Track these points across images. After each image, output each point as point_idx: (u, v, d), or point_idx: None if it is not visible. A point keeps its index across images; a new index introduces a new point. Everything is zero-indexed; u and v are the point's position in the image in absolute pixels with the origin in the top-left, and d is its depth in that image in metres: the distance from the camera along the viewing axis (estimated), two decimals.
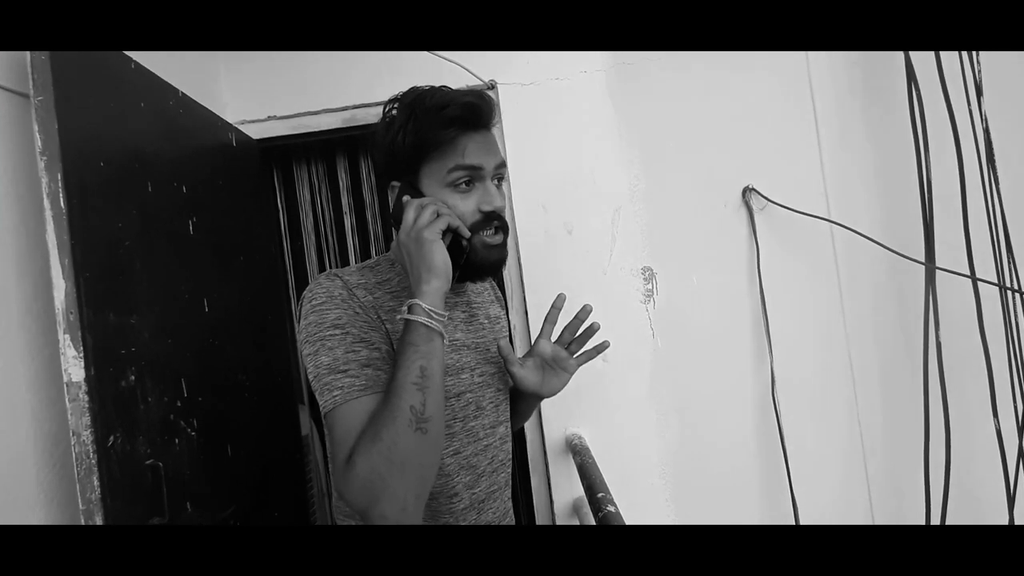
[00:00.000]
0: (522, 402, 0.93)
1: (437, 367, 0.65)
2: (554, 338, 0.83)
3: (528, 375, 0.80)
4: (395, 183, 0.77)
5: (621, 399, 1.48)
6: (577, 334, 0.82)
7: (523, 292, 1.49)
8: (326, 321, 0.70)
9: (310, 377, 0.70)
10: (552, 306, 0.82)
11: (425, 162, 0.73)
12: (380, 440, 0.61)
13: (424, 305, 0.65)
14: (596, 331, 0.81)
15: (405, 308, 0.66)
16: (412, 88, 0.76)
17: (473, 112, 0.72)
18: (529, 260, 1.49)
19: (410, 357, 0.63)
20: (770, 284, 1.45)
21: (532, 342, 0.89)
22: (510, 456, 0.87)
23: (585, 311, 0.81)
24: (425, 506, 0.74)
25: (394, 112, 0.75)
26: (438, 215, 0.69)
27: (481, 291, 0.90)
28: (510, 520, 0.86)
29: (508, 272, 1.52)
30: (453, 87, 0.77)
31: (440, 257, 0.67)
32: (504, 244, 0.77)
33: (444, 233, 0.70)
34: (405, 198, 0.74)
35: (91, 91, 0.93)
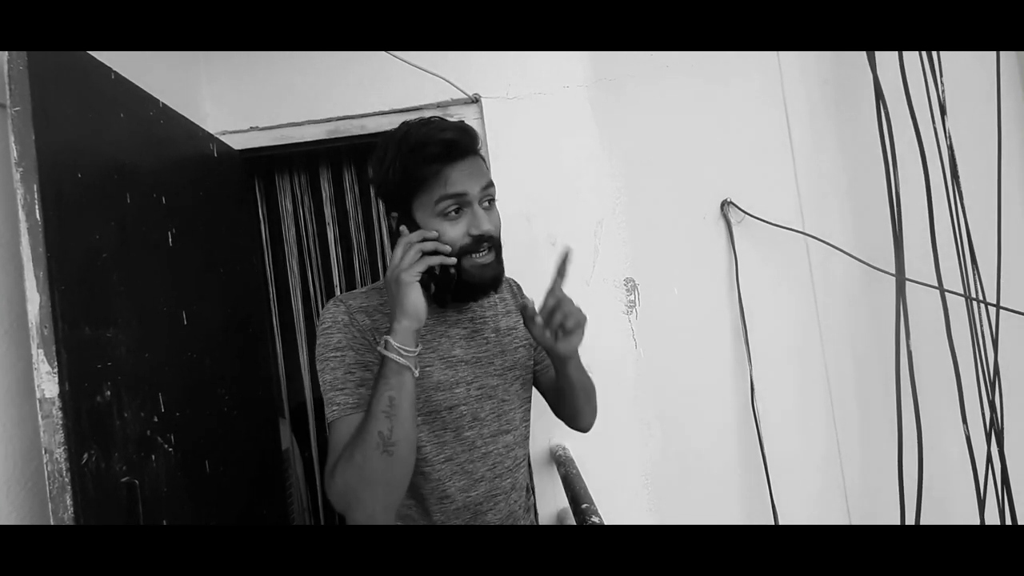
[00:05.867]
0: (558, 370, 0.90)
1: (405, 398, 0.71)
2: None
3: (541, 332, 0.82)
4: (394, 213, 0.81)
5: (604, 409, 1.46)
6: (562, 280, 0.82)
7: None
8: (330, 344, 0.79)
9: (321, 390, 0.79)
10: (563, 260, 0.82)
11: (415, 196, 0.78)
12: (353, 459, 0.70)
13: (394, 343, 0.70)
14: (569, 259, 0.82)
15: (382, 343, 0.71)
16: (403, 123, 0.81)
17: (452, 147, 0.76)
18: (513, 271, 1.48)
19: (381, 388, 0.70)
20: (748, 295, 1.48)
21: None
22: (520, 461, 0.89)
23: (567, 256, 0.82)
24: (417, 506, 0.83)
25: (380, 147, 0.80)
26: (422, 255, 0.73)
27: (490, 305, 0.92)
28: (522, 522, 0.90)
29: None
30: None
31: (412, 300, 0.71)
32: (497, 260, 0.81)
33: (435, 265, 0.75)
34: (403, 228, 0.78)
35: (70, 101, 0.92)
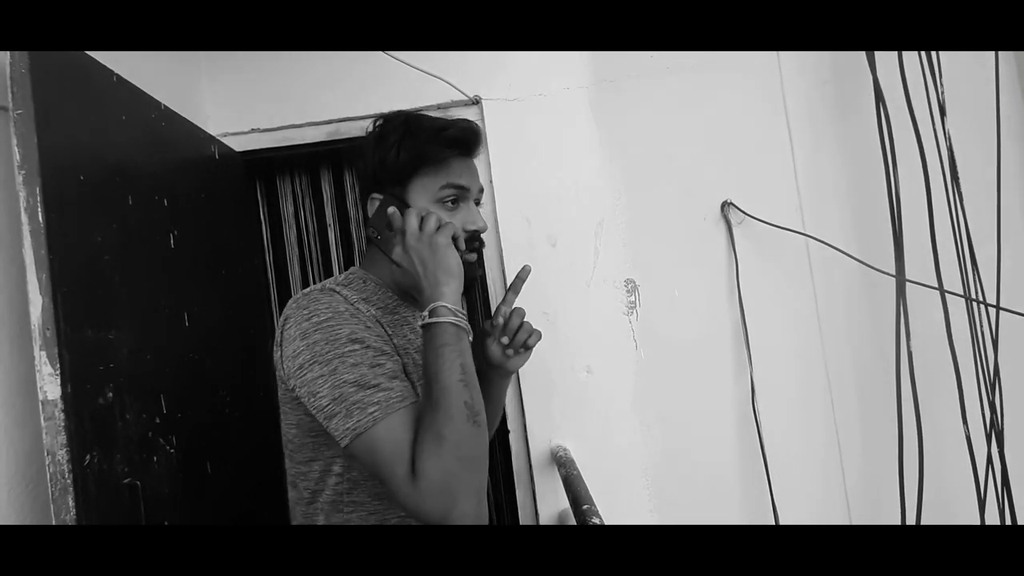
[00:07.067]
0: (494, 383, 0.92)
1: (471, 363, 0.66)
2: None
3: (500, 349, 0.87)
4: (376, 195, 0.78)
5: (605, 410, 1.49)
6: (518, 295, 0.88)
7: None
8: (340, 337, 0.66)
9: (326, 399, 0.65)
10: (517, 276, 0.87)
11: (417, 176, 0.76)
12: (446, 440, 0.60)
13: (448, 306, 0.67)
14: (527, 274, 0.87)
15: (426, 313, 0.67)
16: (399, 111, 0.81)
17: (471, 138, 0.77)
18: (513, 272, 1.50)
19: (448, 357, 0.64)
20: (749, 296, 1.48)
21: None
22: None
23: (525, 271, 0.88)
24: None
25: (382, 127, 0.79)
26: (441, 223, 0.73)
27: None
28: None
29: (492, 284, 1.53)
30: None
31: (455, 259, 0.70)
32: (480, 263, 0.83)
33: None
34: (391, 209, 0.75)
35: (72, 104, 0.92)
